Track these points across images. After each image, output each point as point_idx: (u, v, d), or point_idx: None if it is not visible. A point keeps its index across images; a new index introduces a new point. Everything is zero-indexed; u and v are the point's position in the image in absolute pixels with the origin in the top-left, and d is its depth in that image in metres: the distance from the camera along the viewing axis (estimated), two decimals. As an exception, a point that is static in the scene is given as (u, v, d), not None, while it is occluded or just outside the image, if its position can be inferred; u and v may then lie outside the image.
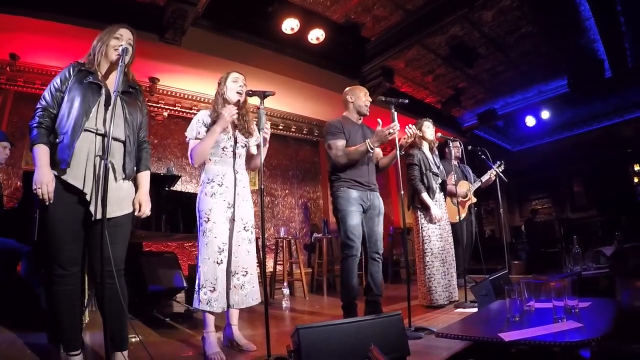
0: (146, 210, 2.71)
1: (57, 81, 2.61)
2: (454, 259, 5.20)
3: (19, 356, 3.12)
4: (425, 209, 4.99)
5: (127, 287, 2.61)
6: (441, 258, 4.97)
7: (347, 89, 4.46)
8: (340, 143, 4.08)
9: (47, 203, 2.39)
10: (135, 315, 4.67)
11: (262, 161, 3.39)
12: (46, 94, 2.57)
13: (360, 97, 4.35)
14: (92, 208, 2.44)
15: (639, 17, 6.59)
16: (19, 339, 3.53)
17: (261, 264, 3.46)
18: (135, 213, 2.68)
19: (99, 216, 2.39)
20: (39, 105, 2.55)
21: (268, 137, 3.40)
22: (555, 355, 2.15)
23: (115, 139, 2.54)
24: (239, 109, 3.43)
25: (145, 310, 4.92)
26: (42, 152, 2.44)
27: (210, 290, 3.15)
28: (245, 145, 3.52)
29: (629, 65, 8.14)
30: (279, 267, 7.37)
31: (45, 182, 2.37)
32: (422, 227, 5.02)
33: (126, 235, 2.69)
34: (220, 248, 3.21)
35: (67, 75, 2.62)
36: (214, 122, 3.37)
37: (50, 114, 2.54)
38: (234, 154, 3.44)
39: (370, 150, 3.93)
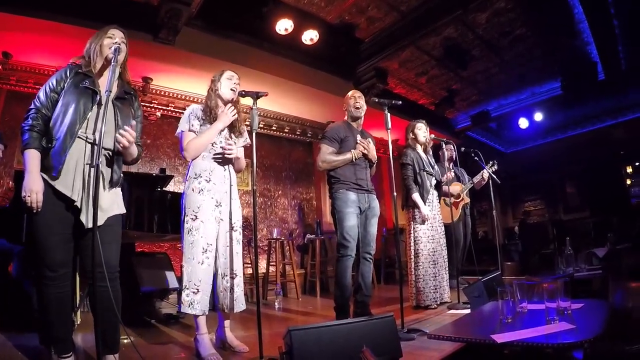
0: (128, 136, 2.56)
1: (52, 81, 2.57)
2: (446, 260, 5.21)
3: (10, 358, 3.09)
4: (416, 208, 5.00)
5: (120, 289, 2.60)
6: (432, 260, 4.97)
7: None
8: (329, 150, 4.24)
9: (34, 211, 2.37)
10: (127, 316, 4.64)
11: (243, 166, 3.52)
12: (41, 94, 2.53)
13: (350, 103, 4.45)
14: (82, 217, 2.42)
15: (632, 20, 6.62)
16: (10, 340, 3.50)
17: (253, 264, 3.44)
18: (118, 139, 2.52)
19: (90, 224, 2.37)
20: (32, 106, 2.51)
21: (232, 154, 3.37)
22: (548, 356, 2.15)
23: (104, 148, 2.51)
24: (233, 105, 3.42)
25: (137, 312, 4.89)
26: (32, 157, 2.41)
27: (194, 292, 3.11)
28: (234, 144, 3.48)
29: (622, 67, 8.17)
30: (272, 268, 7.36)
31: (35, 190, 2.34)
32: (414, 228, 5.03)
33: (117, 235, 2.66)
34: (204, 248, 3.18)
35: (64, 75, 2.58)
36: (208, 117, 3.38)
37: (44, 115, 2.50)
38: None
39: (355, 160, 4.18)
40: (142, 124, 2.95)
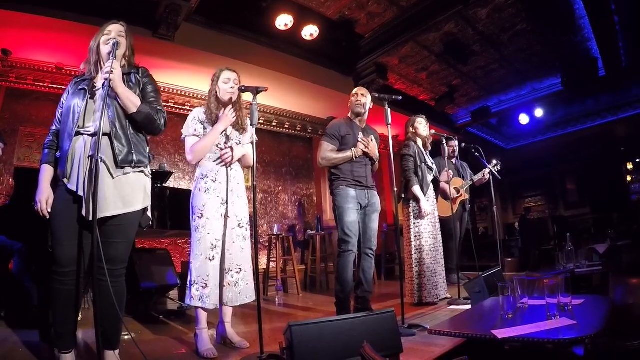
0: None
1: (60, 103, 2.70)
2: (443, 256, 5.20)
3: (11, 354, 3.09)
4: (416, 202, 4.99)
5: (125, 285, 2.62)
6: (431, 256, 4.97)
7: None
8: (330, 148, 4.26)
9: (46, 218, 2.46)
10: (127, 312, 4.65)
11: (250, 161, 3.44)
12: (55, 119, 2.69)
13: (352, 100, 4.47)
14: (84, 210, 2.42)
15: (633, 16, 6.61)
16: (11, 337, 3.52)
17: (254, 260, 3.45)
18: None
19: (91, 217, 2.38)
20: (50, 128, 2.69)
21: (228, 159, 3.40)
22: (549, 352, 2.15)
23: (104, 134, 2.48)
24: (232, 106, 3.44)
25: (137, 308, 4.90)
26: (43, 171, 2.57)
27: (203, 287, 3.16)
28: (239, 141, 3.50)
29: (622, 64, 8.18)
30: (272, 264, 7.36)
31: (40, 199, 2.47)
32: (414, 224, 5.02)
33: (129, 235, 2.65)
34: (212, 244, 3.22)
35: (66, 93, 2.69)
36: (211, 120, 3.41)
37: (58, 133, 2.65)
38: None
39: (355, 159, 4.20)
40: (158, 91, 2.87)
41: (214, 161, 3.40)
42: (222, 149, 3.38)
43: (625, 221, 10.37)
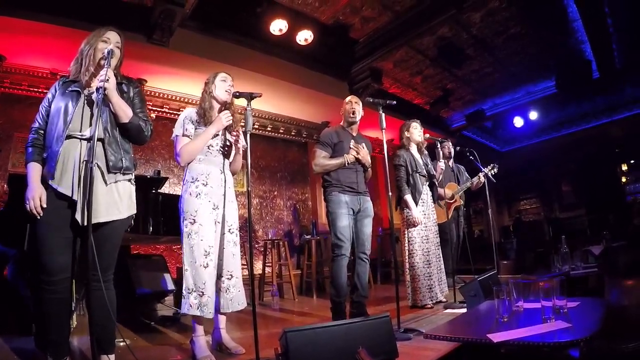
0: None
1: (45, 101, 2.66)
2: (440, 260, 5.21)
3: (6, 361, 3.09)
4: (408, 209, 5.01)
5: (114, 290, 2.60)
6: (426, 259, 4.99)
7: None
8: (323, 154, 4.35)
9: (38, 217, 2.41)
10: (122, 319, 4.63)
11: (240, 166, 3.52)
12: (38, 116, 2.64)
13: (346, 108, 4.53)
14: (77, 215, 2.41)
15: (627, 19, 6.64)
16: (6, 344, 3.51)
17: (249, 265, 3.44)
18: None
19: (86, 222, 2.36)
20: (32, 126, 2.63)
21: (240, 143, 3.45)
22: (544, 355, 2.15)
23: (98, 139, 2.48)
24: (227, 109, 3.43)
25: (133, 314, 4.88)
26: (32, 169, 2.52)
27: (200, 295, 3.11)
28: (231, 145, 3.49)
29: (616, 66, 8.22)
30: (267, 269, 7.35)
31: (31, 196, 2.41)
32: (406, 229, 5.05)
33: (117, 241, 2.66)
34: (206, 251, 3.17)
35: (53, 92, 2.66)
36: (204, 120, 3.39)
37: (42, 132, 2.60)
38: (220, 153, 3.42)
39: (347, 165, 4.25)
40: (144, 102, 2.92)
41: (220, 147, 3.41)
42: (221, 146, 3.39)
43: (621, 222, 10.40)
